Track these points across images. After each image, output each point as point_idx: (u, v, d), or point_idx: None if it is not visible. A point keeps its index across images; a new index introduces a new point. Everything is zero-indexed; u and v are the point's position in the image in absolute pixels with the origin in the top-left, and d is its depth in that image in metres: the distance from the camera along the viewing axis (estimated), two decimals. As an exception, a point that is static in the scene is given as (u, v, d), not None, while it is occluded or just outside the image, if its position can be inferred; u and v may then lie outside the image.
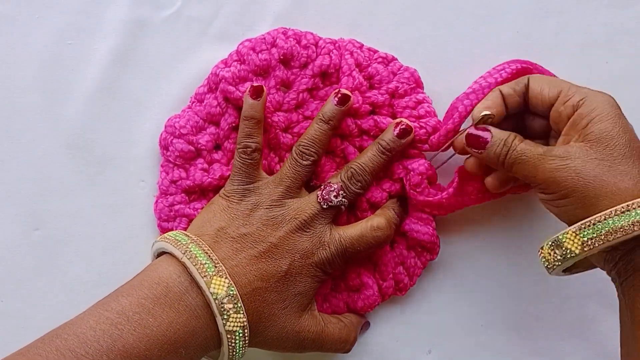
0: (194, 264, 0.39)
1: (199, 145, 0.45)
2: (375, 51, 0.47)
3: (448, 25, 0.49)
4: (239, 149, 0.44)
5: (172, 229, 0.46)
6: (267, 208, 0.42)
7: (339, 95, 0.44)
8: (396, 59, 0.47)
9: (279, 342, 0.42)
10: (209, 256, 0.39)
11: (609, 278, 0.48)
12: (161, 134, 0.46)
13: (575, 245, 0.37)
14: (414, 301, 0.48)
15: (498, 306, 0.48)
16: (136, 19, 0.48)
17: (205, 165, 0.46)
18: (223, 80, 0.45)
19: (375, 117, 0.46)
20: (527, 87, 0.42)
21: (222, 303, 0.38)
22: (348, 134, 0.46)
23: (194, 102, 0.46)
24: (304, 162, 0.43)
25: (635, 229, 0.35)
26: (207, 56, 0.48)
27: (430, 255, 0.47)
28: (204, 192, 0.46)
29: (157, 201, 0.47)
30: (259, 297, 0.40)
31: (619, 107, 0.39)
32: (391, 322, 0.48)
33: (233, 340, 0.39)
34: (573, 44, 0.49)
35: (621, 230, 0.35)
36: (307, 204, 0.43)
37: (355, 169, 0.44)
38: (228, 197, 0.43)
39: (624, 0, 0.49)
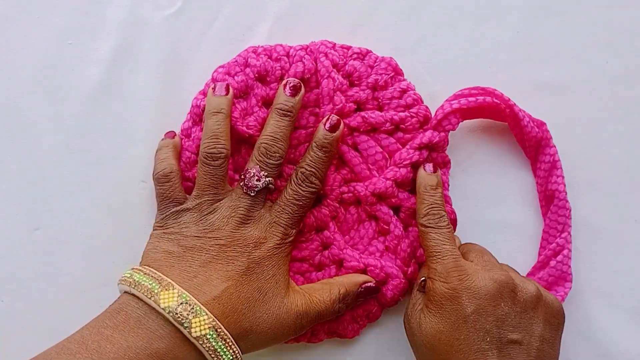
0: (139, 289, 0.39)
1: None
2: (349, 47, 0.46)
3: (448, 25, 0.49)
4: (154, 178, 0.44)
5: None
6: (201, 220, 0.42)
7: (290, 85, 0.44)
8: (371, 52, 0.47)
9: (274, 330, 0.41)
10: (152, 277, 0.40)
11: (610, 278, 0.48)
12: None
13: None
14: (414, 301, 0.48)
15: (498, 306, 0.48)
16: (136, 19, 0.48)
17: None
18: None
19: (362, 113, 0.46)
20: None
21: (176, 313, 0.38)
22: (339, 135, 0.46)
23: (181, 138, 0.46)
24: (215, 162, 0.42)
25: None
26: (208, 57, 0.48)
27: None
28: None
29: None
30: (231, 295, 0.40)
31: (462, 291, 0.40)
32: (392, 322, 0.48)
33: (208, 344, 0.38)
34: (573, 44, 0.49)
35: None
36: (236, 199, 0.42)
37: (267, 142, 0.43)
38: (161, 225, 0.43)
39: (624, 0, 0.49)
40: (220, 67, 0.46)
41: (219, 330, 0.38)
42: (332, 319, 0.46)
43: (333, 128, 0.44)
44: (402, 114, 0.45)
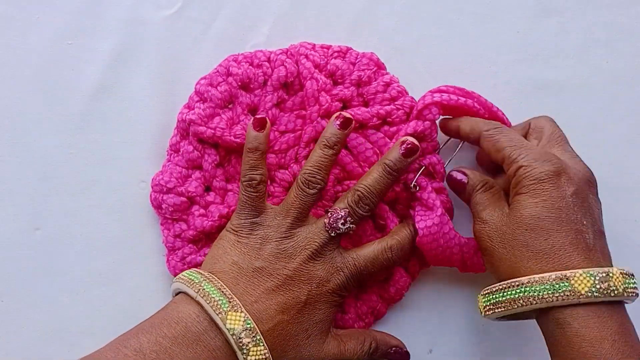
0: (208, 302, 0.39)
1: (190, 194, 0.45)
2: (329, 47, 0.47)
3: (448, 25, 0.49)
4: (244, 182, 0.43)
5: None
6: (277, 241, 0.42)
7: (341, 118, 0.43)
8: (351, 49, 0.47)
9: None
10: (223, 292, 0.39)
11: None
12: (150, 195, 0.46)
13: (481, 307, 0.42)
14: (414, 301, 0.48)
15: (498, 306, 0.48)
16: (136, 19, 0.48)
17: (202, 210, 0.46)
18: (192, 124, 0.45)
19: (349, 111, 0.46)
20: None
21: (239, 338, 0.38)
22: None
23: (170, 153, 0.47)
24: (311, 191, 0.43)
25: (517, 305, 0.39)
26: (208, 57, 0.48)
27: (419, 267, 0.47)
28: (209, 236, 0.46)
29: (168, 259, 0.46)
30: (282, 330, 0.40)
31: (562, 173, 0.40)
32: (392, 322, 0.48)
33: None
34: (573, 44, 0.49)
35: (506, 303, 0.39)
36: (315, 232, 0.43)
37: (362, 192, 0.43)
38: (236, 231, 0.43)
39: (624, 0, 0.49)
40: (202, 78, 0.46)
41: None
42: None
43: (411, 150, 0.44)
44: (387, 107, 0.46)
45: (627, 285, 0.38)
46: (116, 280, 0.47)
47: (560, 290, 0.37)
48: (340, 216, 0.42)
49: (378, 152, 0.46)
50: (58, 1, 0.48)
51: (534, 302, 0.38)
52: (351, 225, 0.43)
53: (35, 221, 0.47)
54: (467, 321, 0.48)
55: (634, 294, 0.38)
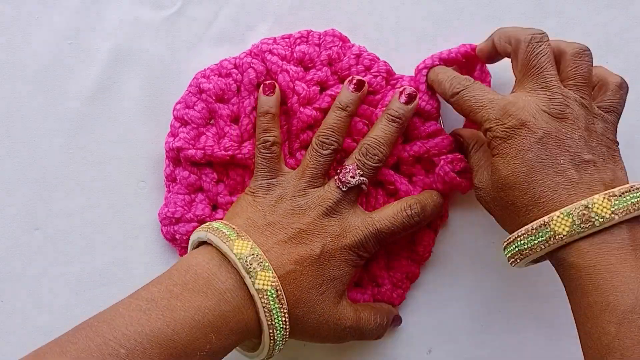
0: (216, 234, 0.40)
1: (199, 217, 0.46)
2: (290, 35, 0.46)
3: (448, 25, 0.49)
4: (259, 144, 0.44)
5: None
6: (291, 199, 0.42)
7: (354, 82, 0.44)
8: (312, 31, 0.46)
9: (319, 330, 0.42)
10: (231, 227, 0.40)
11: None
12: (161, 230, 0.47)
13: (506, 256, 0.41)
14: (413, 301, 0.48)
15: (498, 306, 0.48)
16: (136, 19, 0.48)
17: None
18: (180, 150, 0.45)
19: (328, 92, 0.45)
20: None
21: (246, 261, 0.38)
22: (313, 122, 0.45)
23: (168, 184, 0.47)
24: (325, 152, 0.43)
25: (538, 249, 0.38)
26: (208, 57, 0.48)
27: (439, 221, 0.47)
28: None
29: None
30: (295, 280, 0.40)
31: (523, 125, 0.39)
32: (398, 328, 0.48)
33: (266, 300, 0.38)
34: (573, 44, 0.49)
35: (510, 257, 0.40)
36: (328, 190, 0.43)
37: (369, 144, 0.44)
38: (253, 192, 0.43)
39: (624, 1, 0.49)
40: (177, 103, 0.46)
41: (279, 292, 0.39)
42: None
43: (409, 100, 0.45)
44: (365, 78, 0.45)
45: (616, 206, 0.37)
46: (116, 280, 0.47)
47: (542, 238, 0.37)
48: (348, 170, 0.43)
49: (367, 122, 0.46)
50: (58, 1, 0.48)
51: (528, 254, 0.38)
52: (362, 178, 0.43)
53: (35, 221, 0.47)
54: (467, 321, 0.48)
55: (629, 211, 0.37)
